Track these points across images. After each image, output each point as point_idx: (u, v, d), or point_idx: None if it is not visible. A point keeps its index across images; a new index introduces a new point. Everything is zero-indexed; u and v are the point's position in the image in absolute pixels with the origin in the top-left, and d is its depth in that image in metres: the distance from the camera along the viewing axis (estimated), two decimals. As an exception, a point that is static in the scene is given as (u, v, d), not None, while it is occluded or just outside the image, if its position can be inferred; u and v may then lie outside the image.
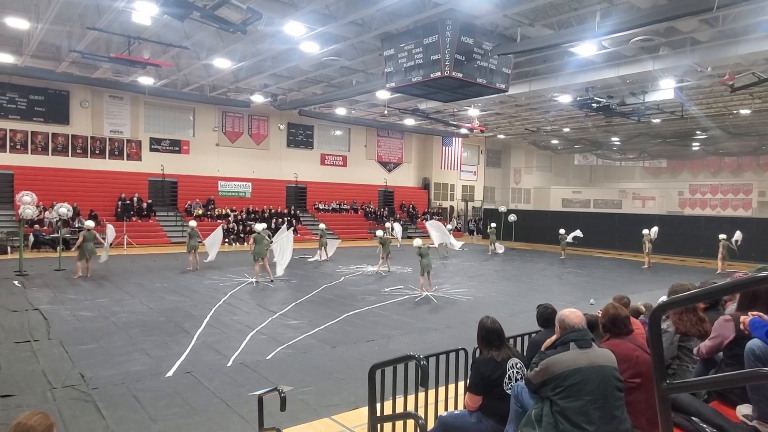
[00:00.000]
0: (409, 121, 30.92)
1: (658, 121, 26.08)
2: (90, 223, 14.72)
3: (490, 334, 3.86)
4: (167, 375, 6.51)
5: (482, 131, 31.63)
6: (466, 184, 39.17)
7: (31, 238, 19.65)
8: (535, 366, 3.24)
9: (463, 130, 31.74)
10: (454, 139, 35.55)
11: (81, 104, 23.87)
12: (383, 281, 14.78)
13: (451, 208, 38.19)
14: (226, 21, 10.79)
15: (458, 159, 36.63)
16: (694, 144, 35.21)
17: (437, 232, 17.88)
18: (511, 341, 4.81)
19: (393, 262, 17.64)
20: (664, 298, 4.34)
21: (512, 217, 27.00)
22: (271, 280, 13.89)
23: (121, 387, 6.04)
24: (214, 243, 16.79)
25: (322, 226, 19.88)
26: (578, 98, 20.49)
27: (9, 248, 18.71)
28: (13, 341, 7.78)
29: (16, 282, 12.90)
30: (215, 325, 9.15)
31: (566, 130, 32.16)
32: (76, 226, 21.21)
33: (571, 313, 3.36)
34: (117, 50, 16.79)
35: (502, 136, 36.69)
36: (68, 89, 23.27)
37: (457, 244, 19.69)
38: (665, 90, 19.06)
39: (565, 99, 21.57)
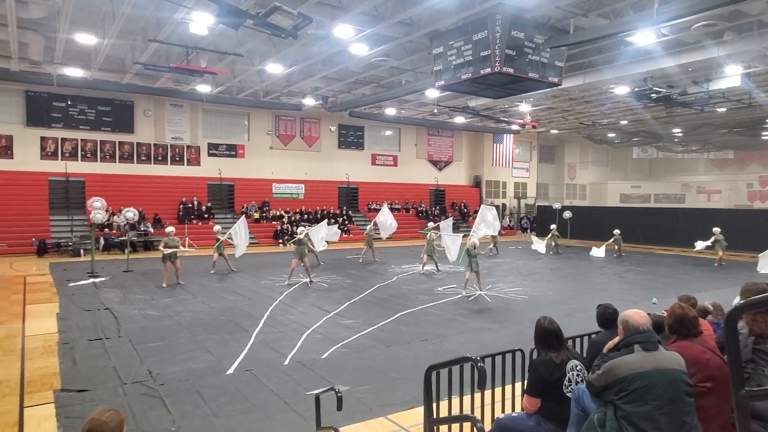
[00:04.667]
0: (459, 119, 30.62)
1: (723, 110, 24.68)
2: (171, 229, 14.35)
3: (548, 335, 3.75)
4: (228, 372, 6.71)
5: (534, 127, 30.94)
6: (518, 181, 38.42)
7: (102, 241, 20.77)
8: (597, 368, 3.12)
9: (515, 127, 31.11)
10: (505, 135, 34.91)
11: (144, 113, 25.05)
12: (436, 280, 14.69)
13: (504, 205, 37.54)
14: (278, 27, 11.02)
15: (510, 156, 35.97)
16: (763, 133, 33.05)
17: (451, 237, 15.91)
18: (570, 342, 4.66)
19: (444, 261, 17.48)
20: (737, 298, 4.09)
21: (567, 214, 26.23)
22: (310, 281, 14.03)
23: (186, 383, 6.27)
24: (239, 234, 16.27)
25: (369, 227, 19.94)
26: (636, 89, 19.64)
27: (82, 251, 19.86)
28: (87, 339, 8.24)
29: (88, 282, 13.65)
30: (272, 324, 9.36)
31: (623, 122, 30.94)
32: (142, 229, 22.27)
33: (636, 314, 3.22)
34: (176, 60, 17.49)
35: (555, 131, 35.75)
36: (132, 99, 24.46)
37: (452, 257, 14.85)
38: (731, 77, 17.99)
39: (622, 90, 20.73)
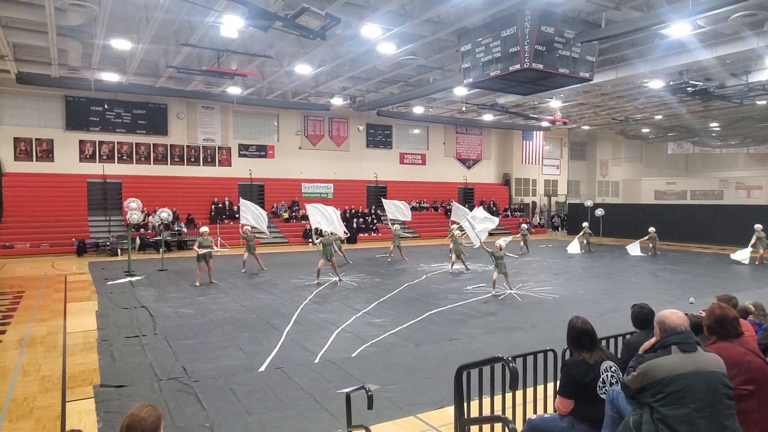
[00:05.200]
0: (488, 117, 30.35)
1: (763, 102, 23.82)
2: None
3: (581, 335, 3.69)
4: (260, 370, 6.80)
5: (565, 123, 30.42)
6: (548, 178, 37.86)
7: (138, 241, 21.33)
8: (633, 370, 3.06)
9: (545, 123, 30.69)
10: (534, 132, 34.45)
11: (177, 116, 25.62)
12: (465, 280, 14.59)
13: (534, 203, 37.04)
14: (306, 28, 11.11)
15: (540, 153, 35.49)
16: (807, 126, 31.76)
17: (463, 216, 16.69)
18: (603, 343, 4.57)
19: (473, 260, 17.37)
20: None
21: (599, 212, 25.72)
22: (339, 280, 14.12)
23: (219, 380, 6.39)
24: (255, 215, 16.80)
25: (395, 226, 19.85)
26: (671, 83, 19.12)
27: (119, 251, 20.43)
28: (125, 336, 8.48)
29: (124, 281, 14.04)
30: (302, 322, 9.45)
31: (658, 117, 30.14)
32: (176, 229, 22.77)
33: (673, 314, 3.13)
34: (208, 63, 17.84)
35: (586, 128, 35.09)
36: (166, 102, 25.05)
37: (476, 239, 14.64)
38: (772, 68, 17.34)
39: (656, 84, 20.21)
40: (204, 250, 13.58)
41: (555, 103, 25.46)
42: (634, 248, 21.05)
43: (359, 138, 30.82)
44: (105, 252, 20.77)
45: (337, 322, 9.44)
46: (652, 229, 21.15)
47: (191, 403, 5.71)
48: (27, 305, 11.01)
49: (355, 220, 27.57)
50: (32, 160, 22.78)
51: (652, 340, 3.29)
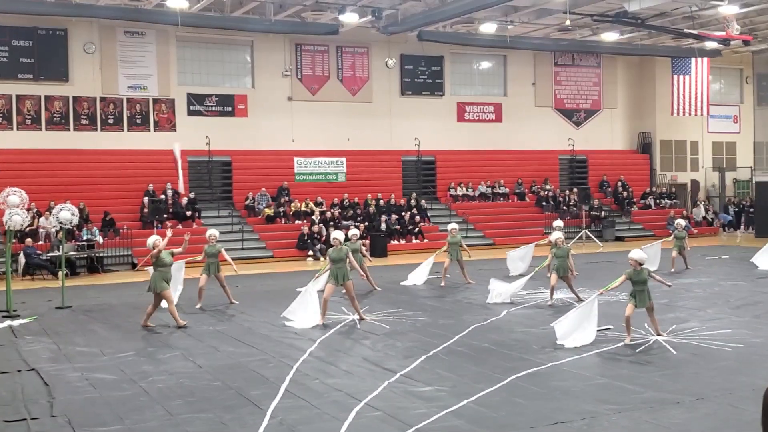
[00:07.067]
0: (610, 36, 29.97)
1: None
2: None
3: (789, 416, 3.56)
4: (228, 476, 6.83)
5: (747, 42, 29.83)
6: (719, 139, 37.32)
7: (22, 259, 21.69)
8: None
9: (711, 44, 30.09)
10: (694, 61, 33.87)
11: (84, 49, 26.04)
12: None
13: (695, 183, 36.43)
14: None
15: (704, 97, 34.81)
16: None
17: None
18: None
19: (590, 283, 17.17)
20: None
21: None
22: (360, 319, 14.21)
23: (160, 494, 6.43)
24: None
25: (452, 226, 19.75)
26: None
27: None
28: (4, 419, 8.59)
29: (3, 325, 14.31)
30: (299, 393, 9.45)
31: None
32: (84, 238, 23.06)
33: None
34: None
35: (784, 50, 34.41)
36: (66, 27, 25.52)
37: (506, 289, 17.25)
38: None
39: None
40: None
41: (729, 9, 24.99)
42: None
43: (389, 80, 30.86)
44: (-31, 279, 21.28)
45: (356, 392, 9.43)
46: None
47: None
48: None
49: (384, 217, 27.52)
50: None
51: None
